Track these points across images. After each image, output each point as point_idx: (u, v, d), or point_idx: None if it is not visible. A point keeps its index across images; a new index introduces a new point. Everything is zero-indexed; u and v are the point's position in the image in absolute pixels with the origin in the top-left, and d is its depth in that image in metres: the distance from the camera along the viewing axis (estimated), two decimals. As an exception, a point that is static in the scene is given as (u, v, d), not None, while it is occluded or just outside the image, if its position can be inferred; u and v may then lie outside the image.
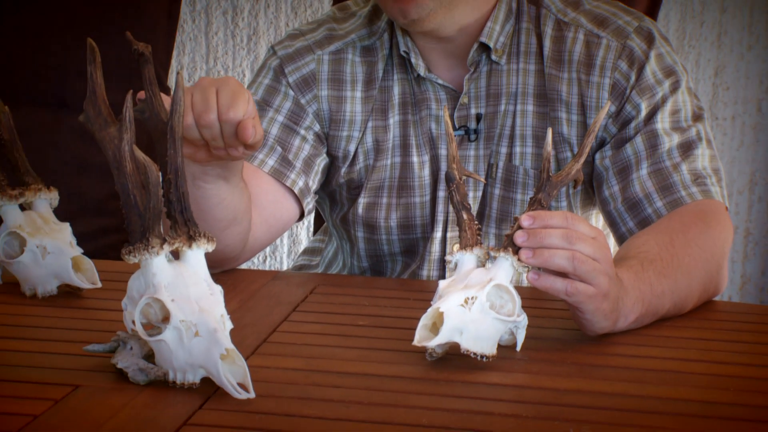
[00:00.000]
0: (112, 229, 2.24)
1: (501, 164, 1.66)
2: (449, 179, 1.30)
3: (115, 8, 2.34)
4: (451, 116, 1.66)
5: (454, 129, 1.65)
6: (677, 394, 1.14)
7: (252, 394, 1.06)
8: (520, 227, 1.23)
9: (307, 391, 1.12)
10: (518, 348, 1.23)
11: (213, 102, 1.32)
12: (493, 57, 1.63)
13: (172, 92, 1.10)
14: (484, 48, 1.63)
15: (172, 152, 1.09)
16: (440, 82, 1.66)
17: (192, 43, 3.12)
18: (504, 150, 1.66)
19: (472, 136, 1.65)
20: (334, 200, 1.75)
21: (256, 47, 3.10)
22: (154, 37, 2.32)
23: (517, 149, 1.65)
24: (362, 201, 1.69)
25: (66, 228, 1.47)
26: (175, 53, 2.80)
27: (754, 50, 3.02)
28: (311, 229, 2.77)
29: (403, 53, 1.65)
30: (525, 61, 1.65)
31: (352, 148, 1.68)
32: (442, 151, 1.65)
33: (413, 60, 1.64)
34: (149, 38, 2.29)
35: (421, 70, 1.65)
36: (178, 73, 1.12)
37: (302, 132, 1.66)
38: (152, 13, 2.36)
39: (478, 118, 1.66)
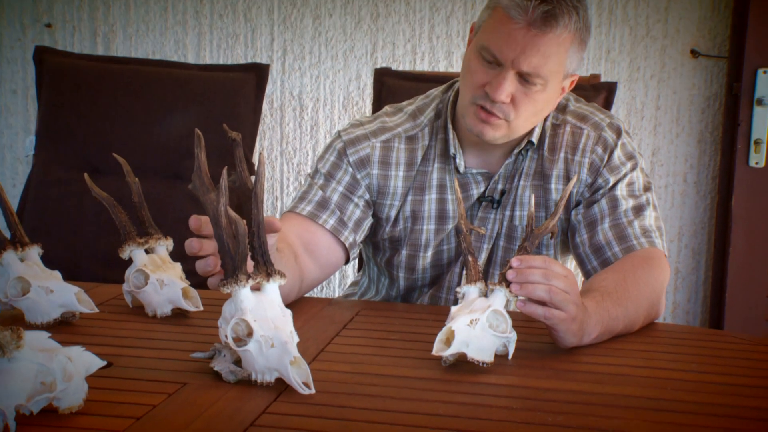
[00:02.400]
0: (211, 267, 2.24)
1: (505, 224, 1.65)
2: (458, 231, 1.30)
3: (215, 107, 2.36)
4: (484, 192, 1.64)
5: (483, 198, 1.64)
6: (628, 392, 1.13)
7: (313, 390, 1.06)
8: (510, 267, 1.23)
9: (353, 388, 1.11)
10: (510, 357, 1.22)
11: None
12: (522, 152, 1.62)
13: (256, 167, 1.10)
14: (527, 143, 1.61)
15: (256, 211, 1.09)
16: (475, 171, 1.64)
17: (270, 131, 3.13)
18: (508, 214, 1.65)
19: (495, 204, 1.65)
20: (378, 248, 1.73)
21: (316, 134, 3.11)
22: (243, 127, 2.34)
23: (517, 213, 1.64)
24: (404, 252, 1.68)
25: (178, 266, 1.47)
26: (258, 138, 2.82)
27: (680, 137, 3.01)
28: (356, 266, 2.76)
29: (452, 155, 1.63)
30: (533, 151, 1.63)
31: (393, 213, 1.67)
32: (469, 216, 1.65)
33: (458, 160, 1.62)
34: (239, 128, 2.32)
35: (461, 168, 1.63)
36: (260, 154, 1.12)
37: (356, 200, 1.64)
38: (242, 110, 2.38)
39: (502, 192, 1.65)
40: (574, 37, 1.50)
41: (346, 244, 1.62)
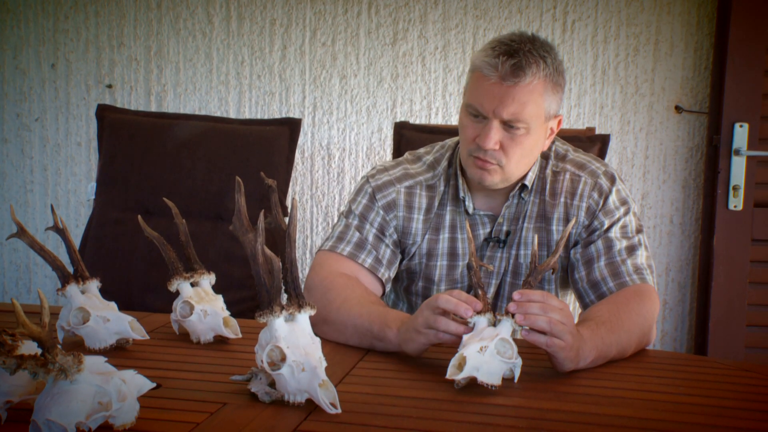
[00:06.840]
0: (249, 299, 2.25)
1: (511, 262, 1.64)
2: (469, 268, 1.29)
3: (253, 156, 2.37)
4: (491, 232, 1.64)
5: (490, 239, 1.64)
6: (623, 413, 1.12)
7: (339, 410, 1.05)
8: (513, 300, 1.23)
9: (375, 408, 1.10)
10: (516, 380, 1.21)
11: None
12: (522, 195, 1.62)
13: (289, 210, 1.11)
14: (521, 187, 1.62)
15: (289, 250, 1.09)
16: (482, 213, 1.64)
17: (302, 177, 3.15)
18: (514, 253, 1.64)
19: (502, 244, 1.64)
20: (397, 278, 1.73)
21: (342, 180, 3.12)
22: (277, 175, 2.35)
23: (522, 252, 1.63)
24: (420, 284, 1.68)
25: (219, 298, 1.47)
26: (291, 184, 2.83)
27: (667, 183, 2.99)
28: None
29: (462, 198, 1.63)
30: (534, 196, 1.63)
31: (411, 249, 1.67)
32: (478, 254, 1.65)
33: (467, 203, 1.63)
34: (275, 176, 2.33)
35: (470, 209, 1.63)
36: (293, 198, 1.13)
37: (387, 240, 1.64)
38: (277, 159, 2.39)
39: (507, 233, 1.64)
40: (546, 83, 1.51)
41: (383, 279, 1.62)
